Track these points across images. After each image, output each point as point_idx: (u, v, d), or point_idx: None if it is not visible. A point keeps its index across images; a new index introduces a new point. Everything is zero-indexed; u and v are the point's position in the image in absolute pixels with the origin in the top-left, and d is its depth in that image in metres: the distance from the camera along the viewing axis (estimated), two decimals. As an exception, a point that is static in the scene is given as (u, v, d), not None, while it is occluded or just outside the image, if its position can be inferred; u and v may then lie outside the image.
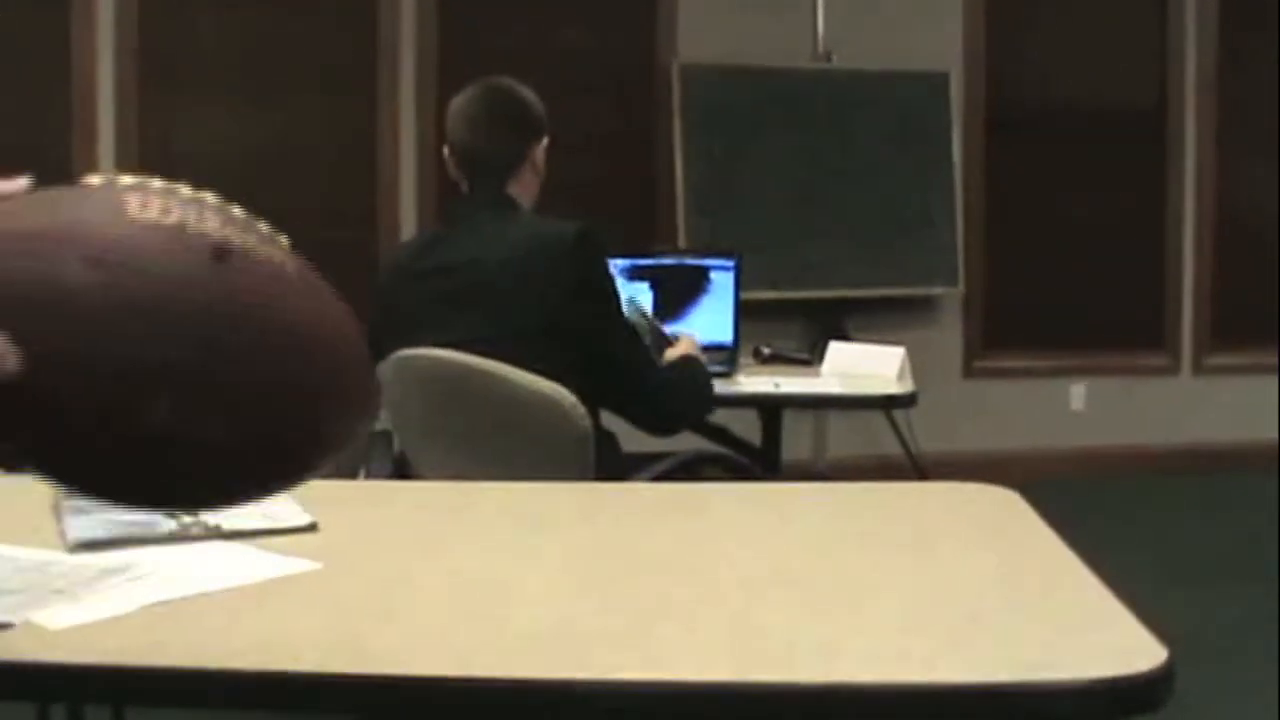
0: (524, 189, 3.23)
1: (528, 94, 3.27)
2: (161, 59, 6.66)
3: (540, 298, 2.98)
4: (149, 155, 6.62)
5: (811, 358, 4.40)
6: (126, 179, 1.17)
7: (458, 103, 3.23)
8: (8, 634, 1.34)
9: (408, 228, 6.86)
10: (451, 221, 3.23)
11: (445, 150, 3.25)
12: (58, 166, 6.48)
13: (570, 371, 2.91)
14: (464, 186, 3.23)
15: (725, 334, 4.28)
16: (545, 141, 3.27)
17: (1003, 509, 1.95)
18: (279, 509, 1.88)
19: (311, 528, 1.81)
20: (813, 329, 7.05)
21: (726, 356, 4.18)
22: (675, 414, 3.21)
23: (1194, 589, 5.28)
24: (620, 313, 3.13)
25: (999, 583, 1.54)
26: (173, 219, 1.14)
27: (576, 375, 2.93)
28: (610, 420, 3.19)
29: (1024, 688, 1.21)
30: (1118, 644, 1.30)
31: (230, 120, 6.77)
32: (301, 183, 6.85)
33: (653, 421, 3.16)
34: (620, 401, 3.08)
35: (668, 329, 3.90)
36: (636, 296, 3.90)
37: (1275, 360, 7.91)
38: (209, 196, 1.18)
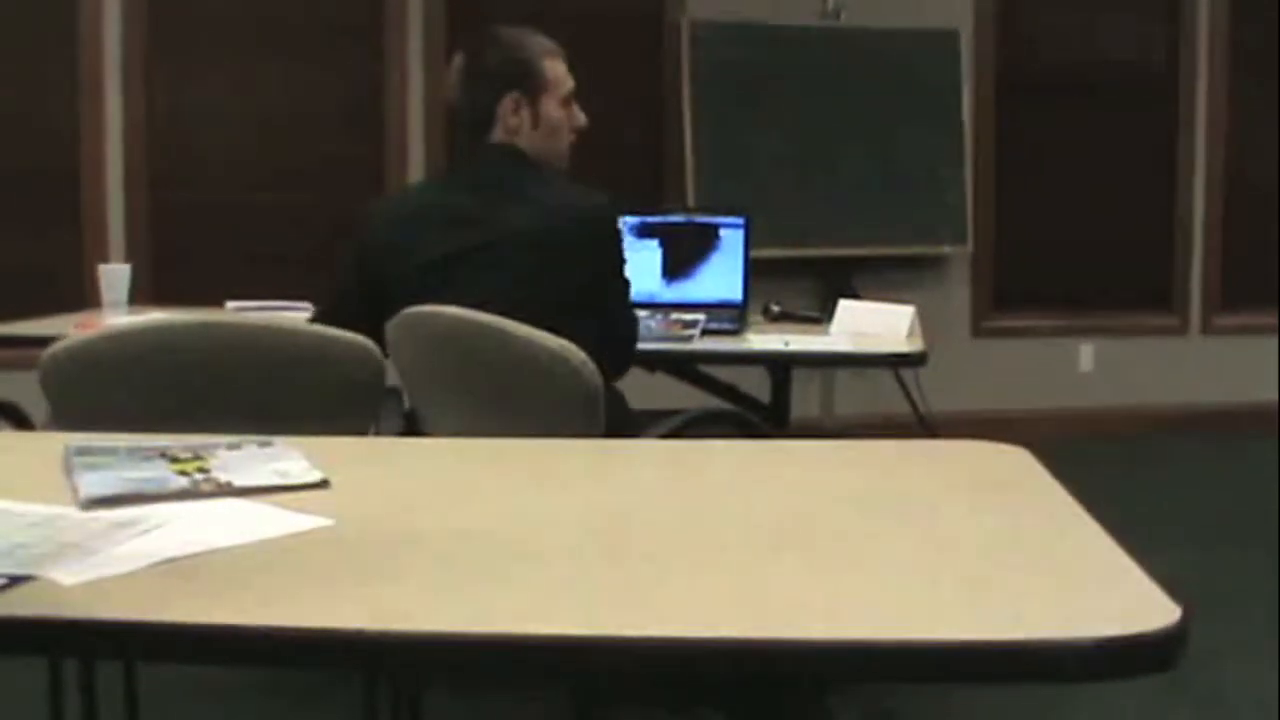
0: (523, 144, 3.17)
1: (507, 41, 3.17)
2: (168, 20, 6.64)
3: (574, 270, 3.02)
4: (156, 118, 6.61)
5: (821, 316, 4.39)
6: None
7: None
8: (19, 589, 1.34)
9: (416, 185, 6.85)
10: (463, 173, 3.19)
11: None
12: (66, 130, 6.47)
13: (582, 329, 2.91)
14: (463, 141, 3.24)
15: (735, 292, 4.28)
16: (518, 94, 3.15)
17: (1013, 466, 1.95)
18: (290, 465, 1.88)
19: (323, 484, 1.81)
20: (822, 287, 7.04)
21: (736, 314, 4.18)
22: (631, 355, 3.26)
23: (1201, 549, 5.28)
24: (624, 269, 3.15)
25: (1009, 540, 1.54)
26: None
27: (586, 331, 2.93)
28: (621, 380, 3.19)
29: (1034, 645, 1.21)
30: (1130, 602, 1.30)
31: (238, 81, 6.76)
32: (310, 142, 6.85)
33: (620, 361, 3.17)
34: (602, 339, 3.06)
35: (677, 287, 3.90)
36: None
37: (1284, 320, 7.91)
38: None
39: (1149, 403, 7.90)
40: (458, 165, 3.23)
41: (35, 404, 2.62)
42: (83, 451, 1.93)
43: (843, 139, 7.17)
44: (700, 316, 4.00)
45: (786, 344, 3.87)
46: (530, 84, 3.16)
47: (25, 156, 6.46)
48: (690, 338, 3.82)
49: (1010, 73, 7.70)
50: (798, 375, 4.53)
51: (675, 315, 4.03)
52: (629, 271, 3.19)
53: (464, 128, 3.20)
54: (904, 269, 7.45)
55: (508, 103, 3.14)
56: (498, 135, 3.15)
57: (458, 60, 3.18)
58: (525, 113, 3.16)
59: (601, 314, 3.08)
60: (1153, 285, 7.97)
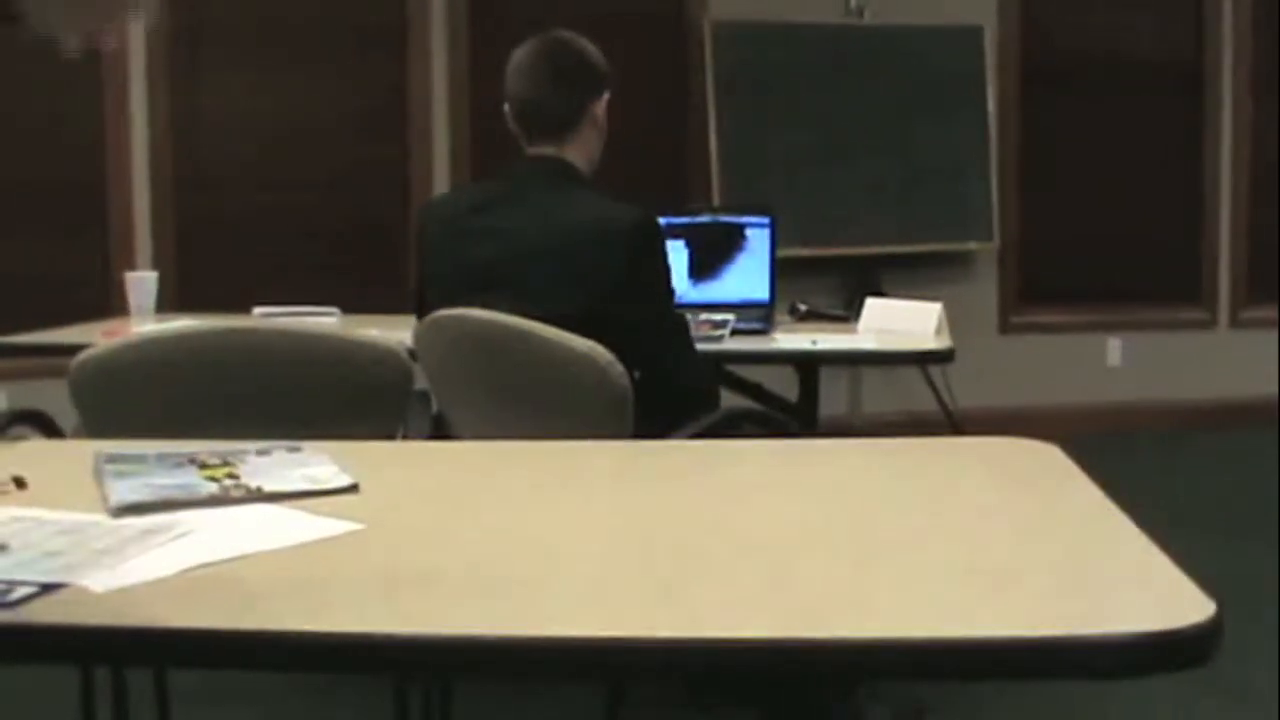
0: (584, 148, 3.15)
1: (588, 46, 3.16)
2: (191, 24, 6.66)
3: (588, 287, 2.92)
4: (181, 126, 6.63)
5: (848, 314, 4.38)
6: None
7: (516, 56, 3.14)
8: (51, 597, 1.34)
9: (441, 187, 6.86)
10: (506, 183, 3.14)
11: (505, 107, 3.16)
12: (92, 140, 6.49)
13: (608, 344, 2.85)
14: (524, 144, 3.15)
15: (761, 291, 4.27)
16: (606, 96, 3.18)
17: (1043, 462, 1.94)
18: (319, 470, 1.89)
19: (352, 489, 1.81)
20: (848, 285, 7.03)
21: (763, 314, 4.17)
22: (703, 409, 3.14)
23: (1232, 543, 5.26)
24: (670, 304, 3.10)
25: (1041, 536, 1.53)
26: None
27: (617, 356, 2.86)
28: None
29: (1067, 642, 1.20)
30: (1164, 597, 1.29)
31: (261, 88, 6.77)
32: (335, 148, 6.85)
33: (680, 412, 3.00)
34: (653, 390, 2.96)
35: (704, 288, 3.89)
36: None
37: (1314, 313, 7.86)
38: None
39: (1178, 397, 7.87)
40: (506, 173, 3.17)
41: (64, 412, 2.63)
42: (113, 459, 1.93)
43: (867, 137, 7.15)
44: (730, 316, 3.99)
45: (814, 343, 3.86)
46: (606, 86, 3.19)
47: (52, 167, 6.48)
48: (720, 338, 3.81)
49: (1034, 67, 7.68)
50: (825, 373, 4.52)
51: (705, 315, 4.02)
52: (675, 309, 3.11)
53: (536, 126, 3.13)
54: (930, 266, 7.43)
55: (602, 102, 3.16)
56: (582, 134, 3.13)
57: (533, 59, 3.12)
58: (603, 114, 3.18)
59: (635, 337, 2.93)
60: (1180, 279, 7.94)
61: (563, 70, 3.13)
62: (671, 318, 3.10)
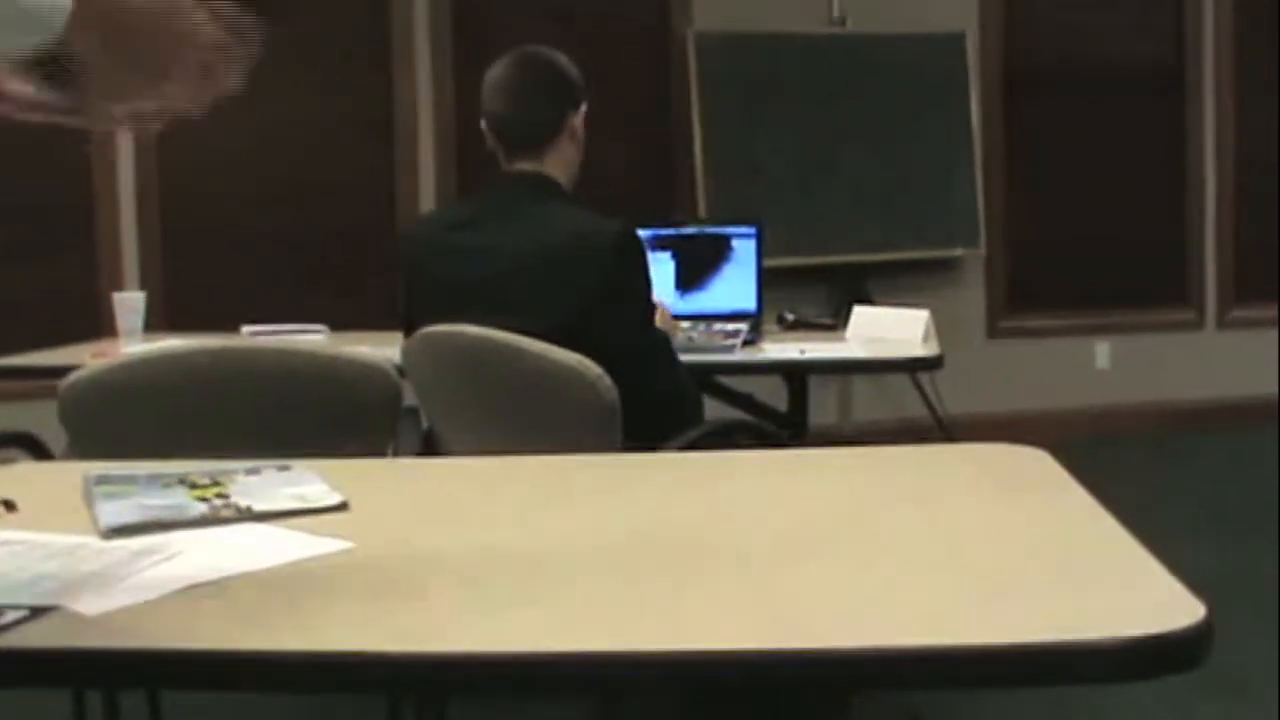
0: (563, 161, 3.15)
1: (563, 60, 3.17)
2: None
3: (570, 300, 2.93)
4: (167, 144, 6.61)
5: (835, 322, 4.38)
6: None
7: (491, 72, 3.15)
8: (42, 620, 1.34)
9: (427, 203, 6.86)
10: (487, 199, 3.15)
11: (483, 124, 3.17)
12: (78, 160, 6.48)
13: (591, 355, 2.86)
14: (501, 160, 3.15)
15: (749, 302, 4.28)
16: (583, 109, 3.18)
17: (1033, 468, 1.94)
18: (309, 489, 1.88)
19: (342, 507, 1.81)
20: (835, 294, 7.04)
21: (751, 324, 4.17)
22: (687, 421, 3.12)
23: (1223, 545, 5.26)
24: (651, 319, 3.10)
25: (1031, 543, 1.54)
26: None
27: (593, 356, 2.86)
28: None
29: (1059, 648, 1.20)
30: (1154, 601, 1.29)
31: (246, 105, 6.72)
32: (321, 165, 6.85)
33: (663, 426, 3.00)
34: (636, 404, 2.92)
35: (691, 299, 3.89)
36: None
37: (1300, 312, 7.87)
38: None
39: (1167, 399, 7.88)
40: (488, 189, 3.17)
41: (53, 434, 2.62)
42: (102, 480, 1.93)
43: (852, 145, 7.16)
44: (742, 326, 3.99)
45: (802, 352, 3.86)
46: (582, 99, 3.19)
47: (38, 188, 6.47)
48: (732, 348, 3.82)
49: (1016, 72, 7.69)
50: (814, 382, 4.52)
51: (719, 325, 4.03)
52: (654, 322, 3.12)
53: (515, 142, 3.13)
54: (917, 273, 7.43)
55: (579, 116, 3.17)
56: (560, 148, 3.13)
57: (509, 75, 3.13)
58: (583, 126, 3.19)
59: (616, 351, 2.92)
60: (1167, 280, 7.95)
61: (539, 86, 3.14)
62: (653, 330, 3.11)
